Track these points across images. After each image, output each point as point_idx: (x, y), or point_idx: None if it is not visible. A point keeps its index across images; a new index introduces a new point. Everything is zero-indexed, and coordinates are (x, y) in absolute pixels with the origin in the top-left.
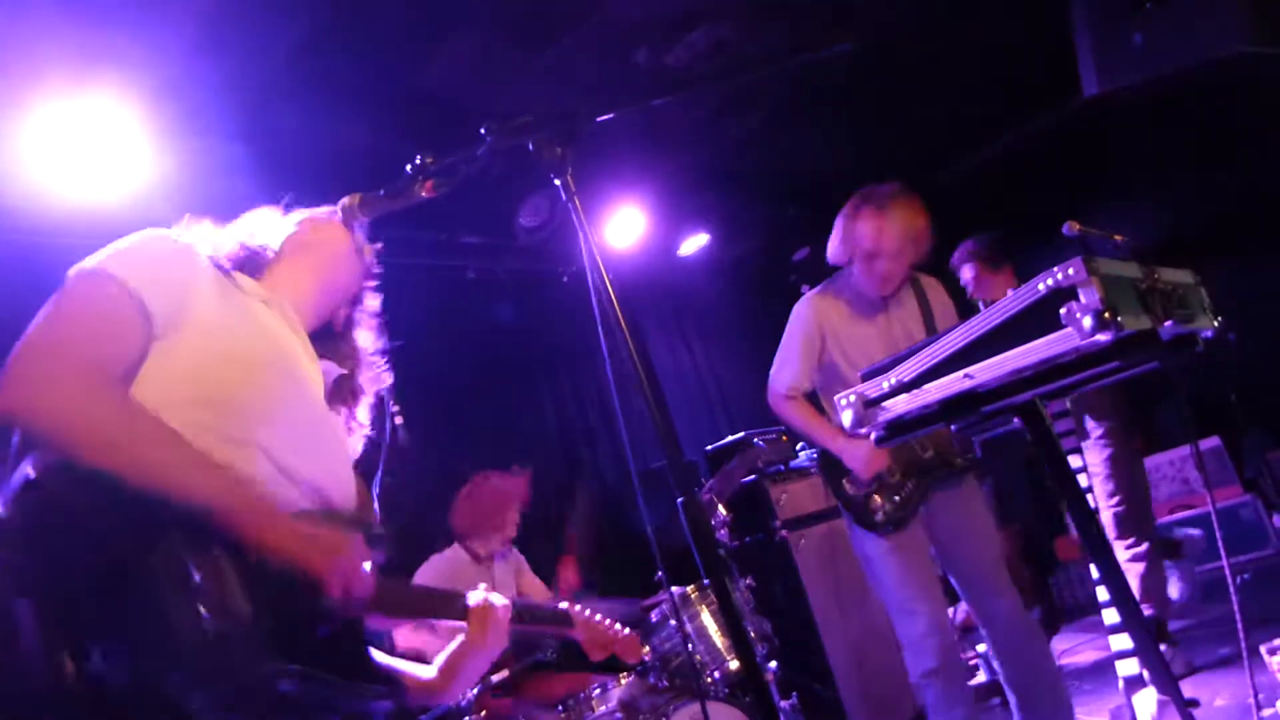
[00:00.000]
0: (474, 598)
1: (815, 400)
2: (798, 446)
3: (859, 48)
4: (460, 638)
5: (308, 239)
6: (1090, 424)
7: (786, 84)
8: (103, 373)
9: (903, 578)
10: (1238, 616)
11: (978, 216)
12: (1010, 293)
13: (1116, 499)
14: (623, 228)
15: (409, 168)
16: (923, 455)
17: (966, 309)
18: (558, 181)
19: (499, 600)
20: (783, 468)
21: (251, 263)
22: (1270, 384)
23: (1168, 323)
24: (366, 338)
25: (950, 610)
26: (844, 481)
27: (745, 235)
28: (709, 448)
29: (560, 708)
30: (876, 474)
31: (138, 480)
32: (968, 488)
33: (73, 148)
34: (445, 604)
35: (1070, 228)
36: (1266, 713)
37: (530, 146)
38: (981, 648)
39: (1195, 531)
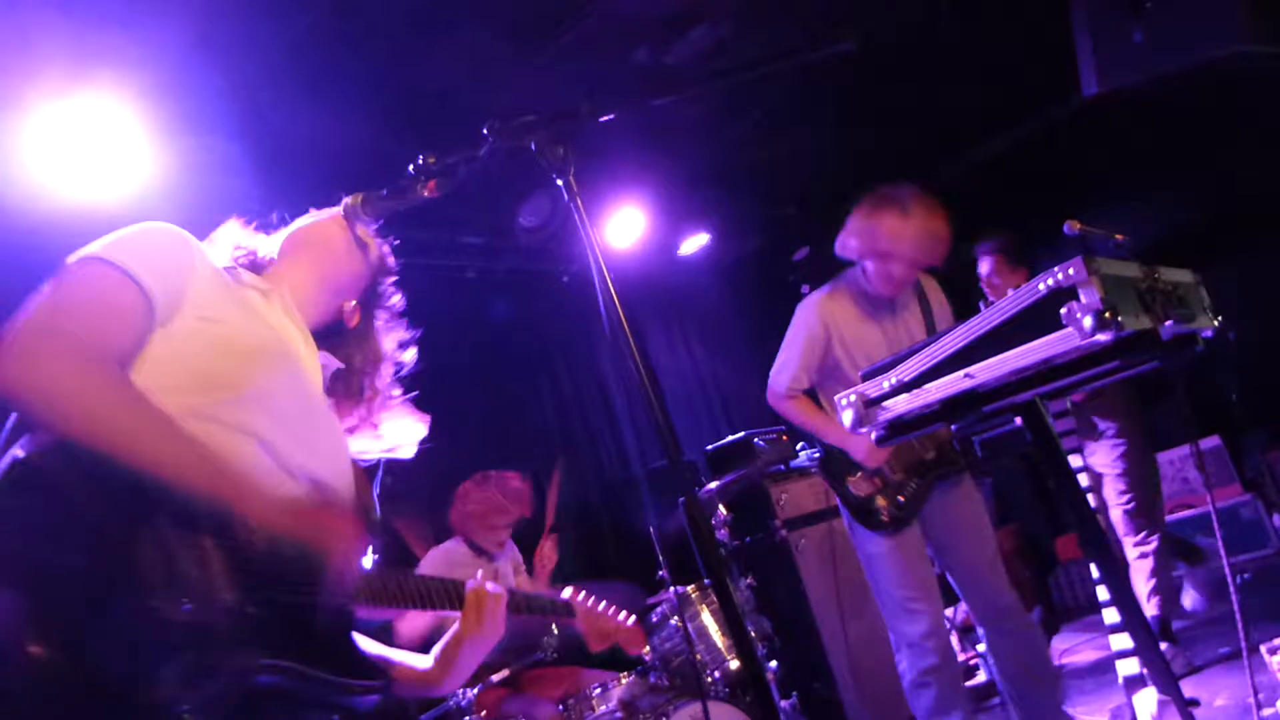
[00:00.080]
0: (470, 586)
1: (814, 399)
2: (798, 446)
3: (859, 48)
4: (456, 626)
5: (306, 235)
6: (1101, 423)
7: (786, 84)
8: (99, 353)
9: (904, 577)
10: (1238, 616)
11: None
12: (1011, 292)
13: (1128, 496)
14: (623, 228)
15: (411, 168)
16: (924, 455)
17: (965, 308)
18: (559, 181)
19: (494, 589)
20: (783, 467)
21: (254, 260)
22: (1270, 383)
23: (1168, 322)
24: (389, 338)
25: (950, 610)
26: (847, 482)
27: (745, 235)
28: (709, 447)
29: (560, 707)
30: (879, 474)
31: (130, 460)
32: (966, 487)
33: (70, 147)
34: (442, 593)
35: (1071, 227)
36: (1267, 712)
37: (532, 146)
38: (981, 647)
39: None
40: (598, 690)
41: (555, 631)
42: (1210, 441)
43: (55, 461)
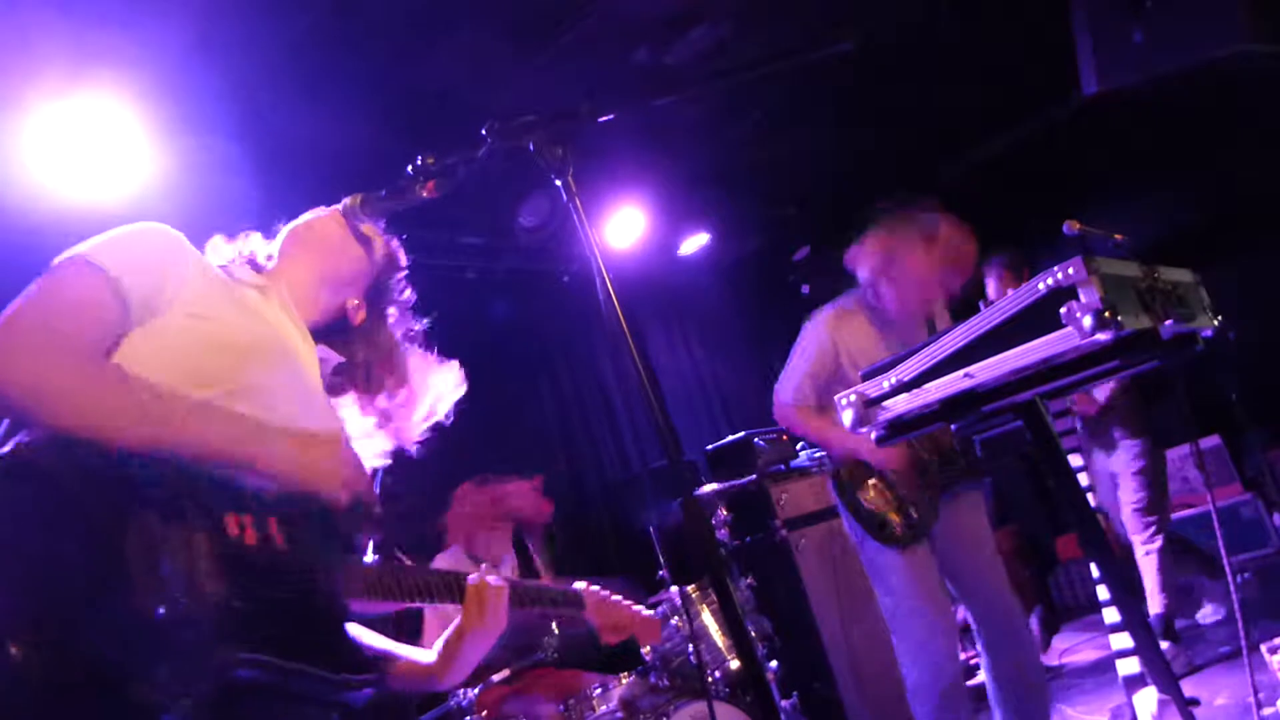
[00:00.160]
0: (471, 580)
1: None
2: (798, 446)
3: (859, 48)
4: (458, 620)
5: (304, 233)
6: (1118, 431)
7: (786, 84)
8: (71, 348)
9: (918, 592)
10: (1238, 615)
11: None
12: (1011, 292)
13: (1141, 495)
14: (623, 228)
15: (410, 168)
16: (929, 463)
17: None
18: (558, 182)
19: (496, 581)
20: (783, 467)
21: (255, 261)
22: (1270, 383)
23: (1168, 322)
24: (400, 332)
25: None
26: (859, 496)
27: (745, 235)
28: (709, 447)
29: (561, 707)
30: (891, 487)
31: (124, 442)
32: (970, 496)
33: (70, 147)
34: (443, 586)
35: (1070, 227)
36: (1267, 711)
37: (531, 147)
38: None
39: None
40: (598, 690)
41: (556, 631)
42: (1210, 441)
43: (49, 455)
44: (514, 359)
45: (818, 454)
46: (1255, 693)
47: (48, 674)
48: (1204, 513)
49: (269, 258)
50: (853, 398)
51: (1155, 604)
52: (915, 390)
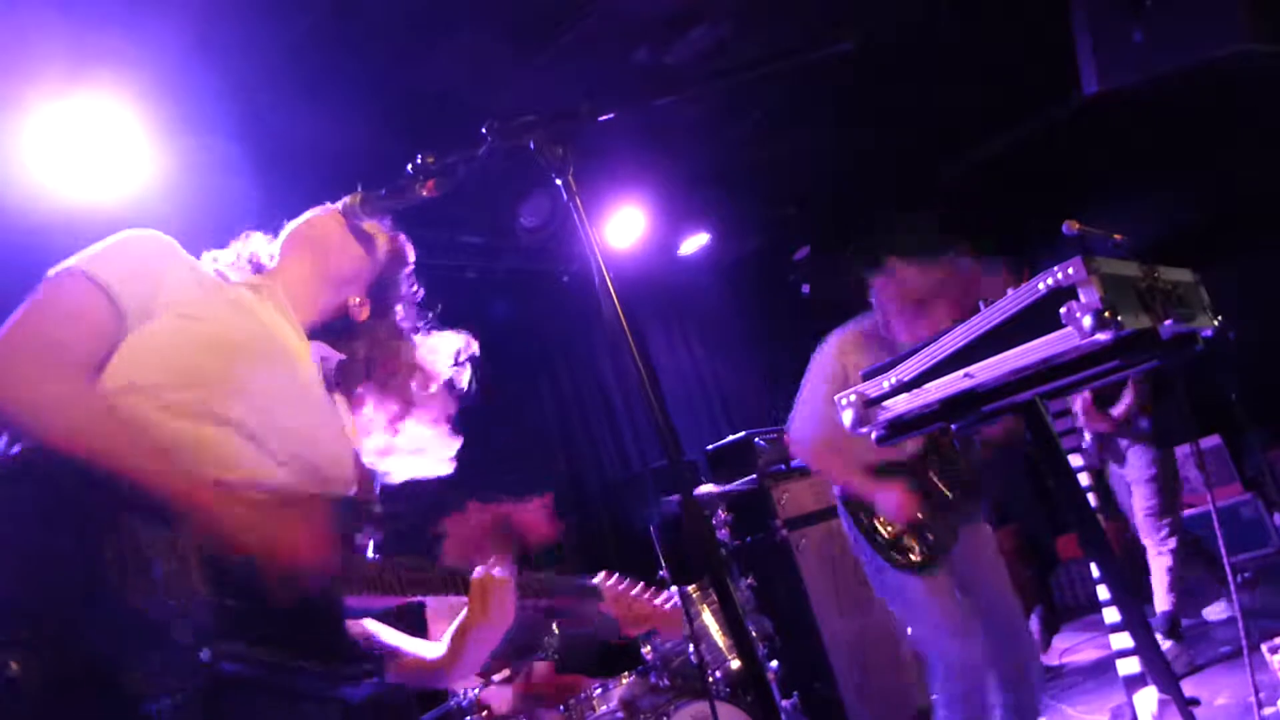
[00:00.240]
0: (476, 573)
1: None
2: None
3: (859, 48)
4: (464, 614)
5: (301, 232)
6: (1127, 443)
7: (786, 84)
8: (66, 363)
9: (949, 612)
10: (1238, 615)
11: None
12: (1010, 292)
13: (1154, 501)
14: (623, 227)
15: (410, 167)
16: (949, 496)
17: None
18: (559, 181)
19: (501, 573)
20: (784, 467)
21: (256, 261)
22: (1270, 383)
23: (1168, 321)
24: (405, 327)
25: None
26: (874, 522)
27: (745, 235)
28: (709, 447)
29: (561, 707)
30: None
31: (93, 463)
32: (986, 529)
33: (70, 147)
34: (447, 580)
35: (1070, 227)
36: (1267, 711)
37: (531, 146)
38: None
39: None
40: (599, 690)
41: (556, 631)
42: (1210, 441)
43: (48, 458)
44: (514, 359)
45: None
46: (1256, 692)
47: (44, 669)
48: (1204, 512)
49: (270, 257)
50: (853, 398)
51: (1163, 602)
52: (915, 390)
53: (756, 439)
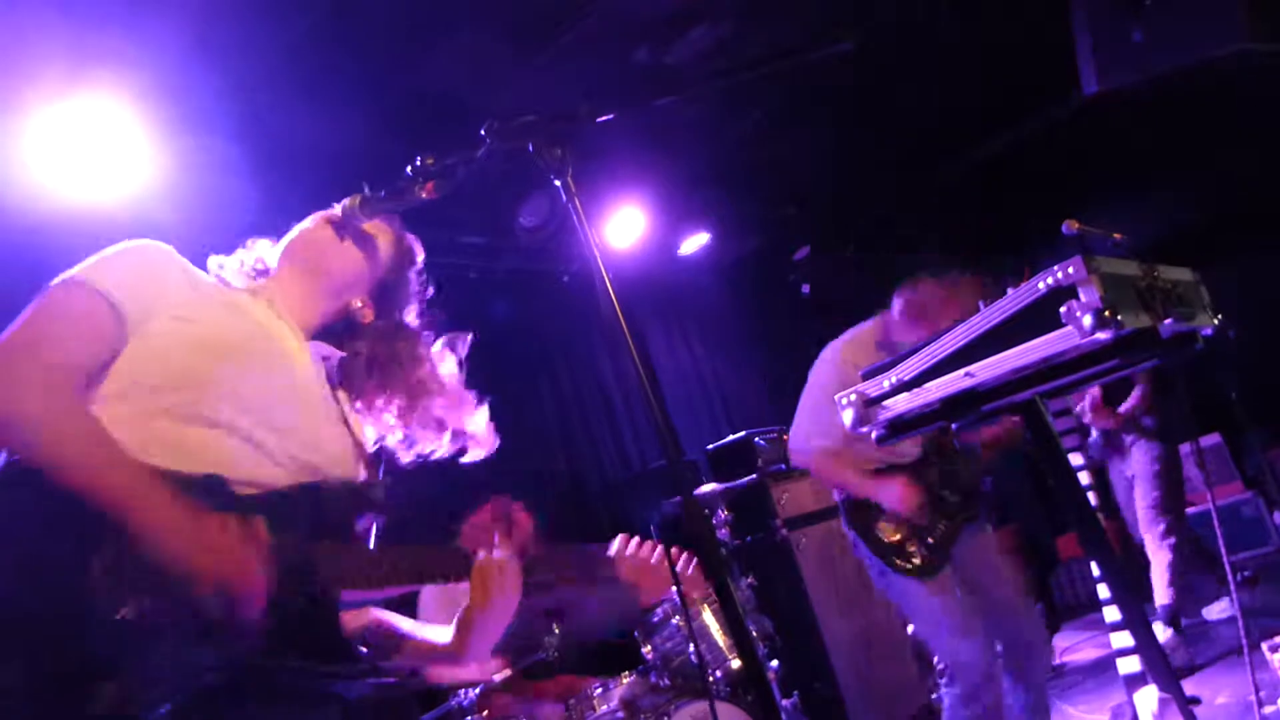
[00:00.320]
0: (479, 558)
1: None
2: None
3: (859, 48)
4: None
5: (298, 238)
6: (1132, 438)
7: (786, 84)
8: (62, 374)
9: (954, 613)
10: (1238, 614)
11: (977, 216)
12: (1010, 291)
13: (1156, 494)
14: (623, 227)
15: (409, 169)
16: (949, 499)
17: None
18: (558, 183)
19: (502, 555)
20: (784, 467)
21: (258, 270)
22: (1271, 382)
23: (1168, 320)
24: (412, 327)
25: None
26: (875, 529)
27: (745, 235)
28: (709, 447)
29: (562, 707)
30: (909, 520)
31: (71, 484)
32: (985, 529)
33: (70, 147)
34: (447, 566)
35: (1070, 226)
36: (1268, 710)
37: (530, 148)
38: None
39: None
40: (599, 690)
41: (556, 630)
42: (1211, 439)
43: (13, 473)
44: (514, 359)
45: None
46: (1256, 691)
47: (38, 679)
48: (1205, 511)
49: (272, 265)
50: (853, 397)
51: (1163, 596)
52: (915, 389)
53: (756, 439)
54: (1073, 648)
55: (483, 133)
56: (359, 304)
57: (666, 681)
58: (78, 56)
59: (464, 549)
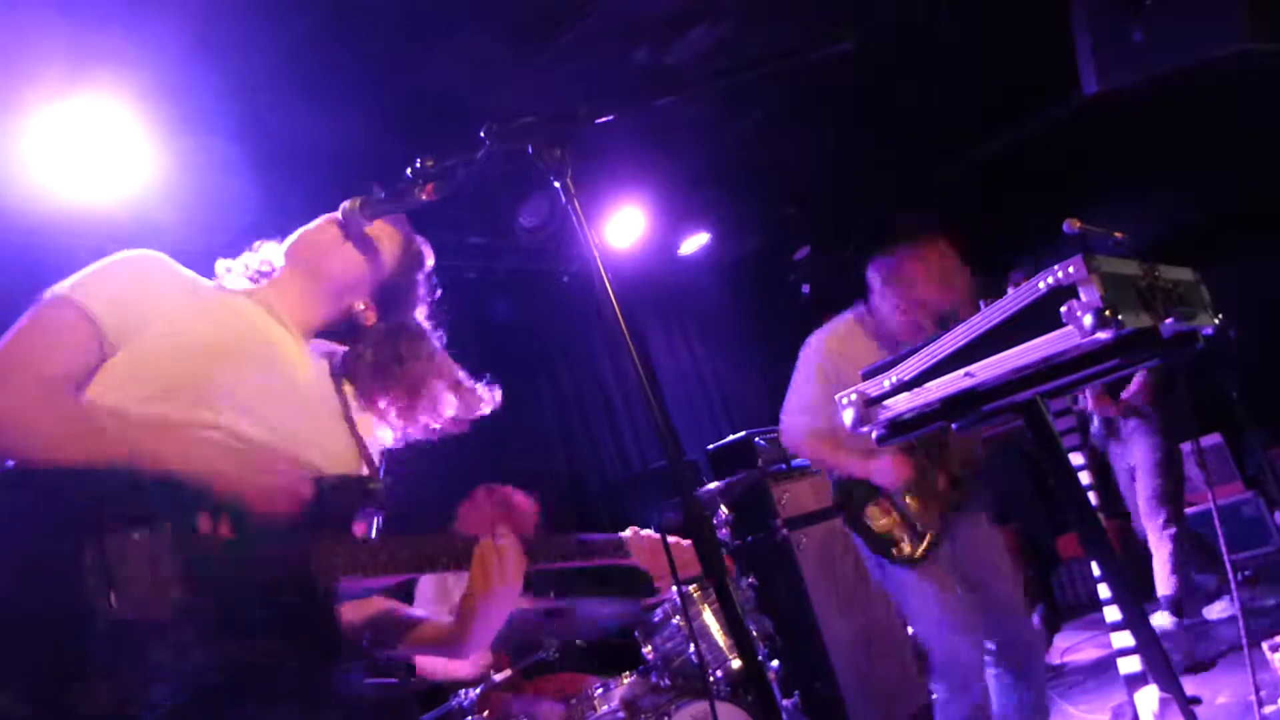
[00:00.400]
0: (481, 542)
1: None
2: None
3: (859, 48)
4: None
5: (300, 240)
6: (1134, 423)
7: (786, 84)
8: (54, 385)
9: (946, 606)
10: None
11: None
12: (1011, 291)
13: (1157, 484)
14: (623, 227)
15: (409, 171)
16: (937, 485)
17: None
18: (557, 183)
19: (502, 540)
20: (784, 467)
21: (260, 273)
22: (1271, 381)
23: (1168, 320)
24: (416, 328)
25: None
26: (865, 517)
27: (745, 235)
28: (710, 447)
29: (562, 707)
30: (895, 506)
31: (74, 464)
32: (983, 520)
33: (70, 148)
34: (447, 554)
35: (1071, 225)
36: (1268, 710)
37: (530, 149)
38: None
39: None
40: (600, 690)
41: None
42: (1211, 439)
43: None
44: (514, 359)
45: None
46: (1257, 691)
47: (33, 675)
48: (1205, 510)
49: (275, 267)
50: (853, 397)
51: (1165, 587)
52: (916, 389)
53: (756, 439)
54: (1073, 648)
55: (482, 134)
56: (361, 306)
57: (667, 681)
58: (78, 56)
59: (465, 536)
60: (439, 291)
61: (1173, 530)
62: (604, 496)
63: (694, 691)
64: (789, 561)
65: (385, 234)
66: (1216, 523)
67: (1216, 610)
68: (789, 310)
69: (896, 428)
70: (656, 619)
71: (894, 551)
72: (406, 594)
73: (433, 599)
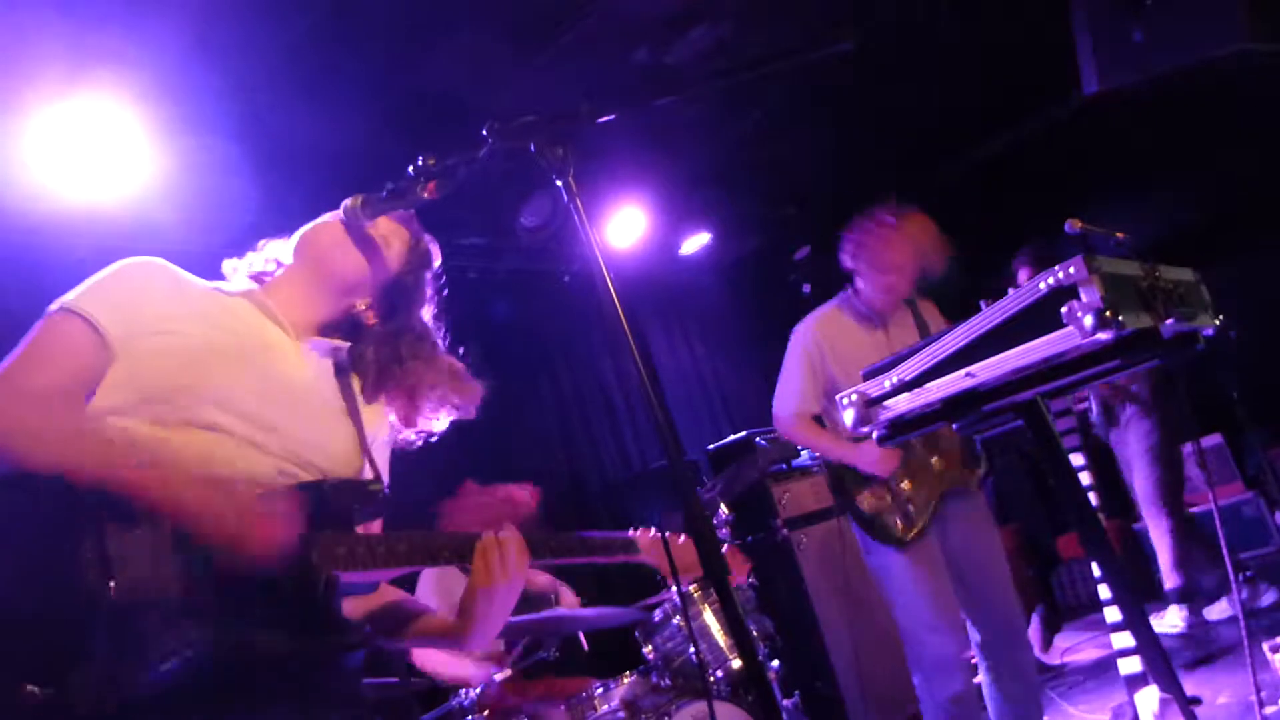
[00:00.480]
0: (485, 536)
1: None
2: (800, 446)
3: (859, 48)
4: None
5: (304, 239)
6: (1131, 409)
7: (786, 84)
8: (45, 396)
9: (926, 596)
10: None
11: (978, 215)
12: (1011, 291)
13: (1150, 473)
14: (624, 227)
15: (411, 169)
16: (932, 465)
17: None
18: (559, 183)
19: (504, 534)
20: (785, 467)
21: (262, 273)
22: (1272, 382)
23: (1169, 320)
24: (416, 324)
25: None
26: (856, 499)
27: (745, 235)
28: (710, 446)
29: (563, 707)
30: (887, 487)
31: (66, 475)
32: (976, 502)
33: (70, 148)
34: (449, 549)
35: (1072, 225)
36: (1269, 710)
37: (531, 147)
38: None
39: None
40: (600, 690)
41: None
42: (1212, 439)
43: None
44: (514, 359)
45: (824, 470)
46: (1257, 691)
47: (23, 664)
48: (1206, 511)
49: (278, 266)
50: (854, 397)
51: (1171, 579)
52: (916, 390)
53: (757, 438)
54: (1073, 648)
55: (484, 132)
56: (363, 306)
57: (667, 682)
58: (78, 56)
59: (470, 533)
60: (446, 290)
61: (1171, 519)
62: (604, 496)
63: (694, 692)
64: (789, 561)
65: (393, 232)
66: (1217, 523)
67: (1217, 610)
68: (789, 310)
69: (897, 427)
70: (657, 619)
71: (883, 532)
72: (407, 591)
73: (433, 596)
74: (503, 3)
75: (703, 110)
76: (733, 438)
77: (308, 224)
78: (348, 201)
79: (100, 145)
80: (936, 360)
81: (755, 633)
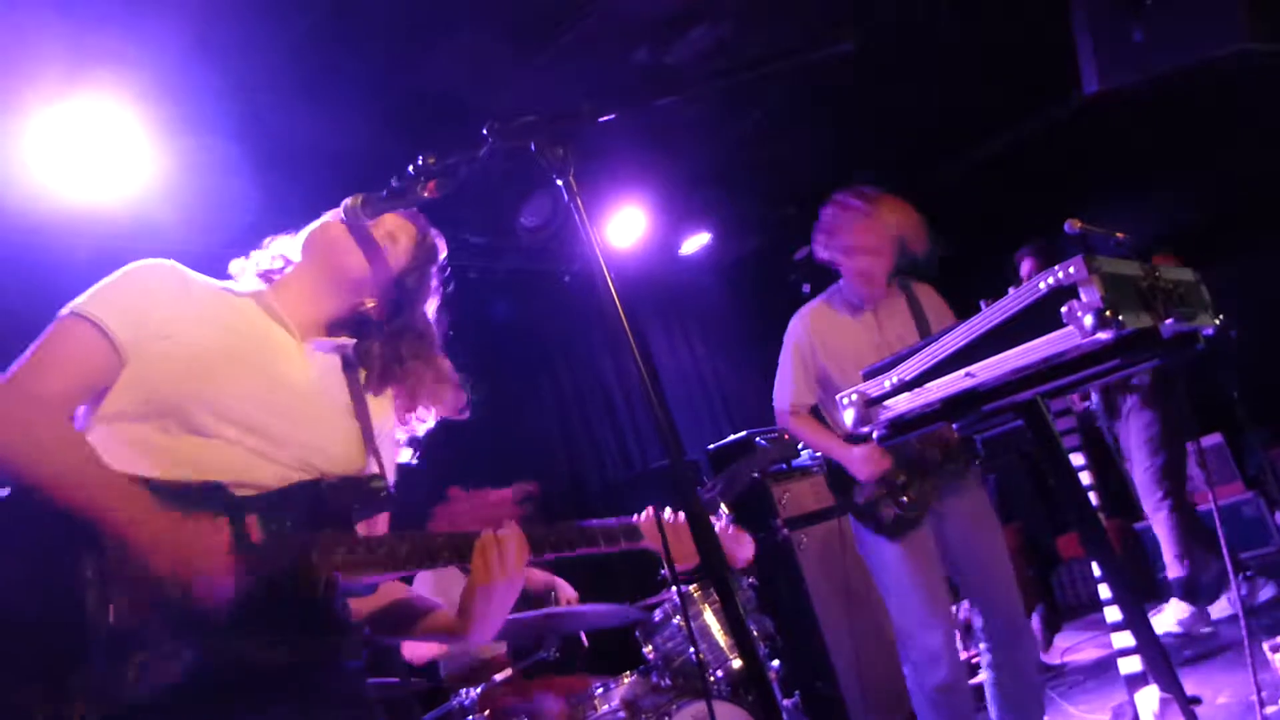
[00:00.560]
0: (484, 534)
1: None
2: (800, 446)
3: (859, 48)
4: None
5: (310, 238)
6: (1129, 404)
7: (786, 84)
8: (42, 402)
9: (914, 586)
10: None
11: (978, 215)
12: (1011, 290)
13: (1150, 463)
14: (624, 227)
15: (411, 168)
16: (926, 455)
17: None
18: (560, 182)
19: (504, 531)
20: (785, 466)
21: (269, 271)
22: (1271, 382)
23: (1169, 320)
24: (418, 322)
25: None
26: (852, 490)
27: (745, 235)
28: (711, 446)
29: (563, 706)
30: (882, 476)
31: (49, 488)
32: (977, 495)
33: (71, 148)
34: (449, 549)
35: (1072, 225)
36: (1269, 710)
37: (532, 147)
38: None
39: None
40: (600, 690)
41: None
42: (1212, 439)
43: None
44: (515, 359)
45: (821, 461)
46: (1258, 691)
47: (23, 678)
48: (1206, 510)
49: (285, 265)
50: (854, 397)
51: (1175, 569)
52: (917, 389)
53: (757, 438)
54: (1074, 648)
55: (484, 132)
56: (370, 304)
57: (668, 681)
58: (78, 56)
59: (469, 533)
60: (452, 285)
61: (1170, 510)
62: (604, 496)
63: (694, 691)
64: (789, 561)
65: (399, 228)
66: (1218, 523)
67: (1217, 609)
68: (789, 310)
69: (897, 427)
70: (657, 619)
71: (876, 520)
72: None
73: (430, 596)
74: (503, 3)
75: (703, 110)
76: (733, 438)
77: (313, 223)
78: (348, 201)
79: (100, 145)
80: (936, 360)
81: (755, 632)
